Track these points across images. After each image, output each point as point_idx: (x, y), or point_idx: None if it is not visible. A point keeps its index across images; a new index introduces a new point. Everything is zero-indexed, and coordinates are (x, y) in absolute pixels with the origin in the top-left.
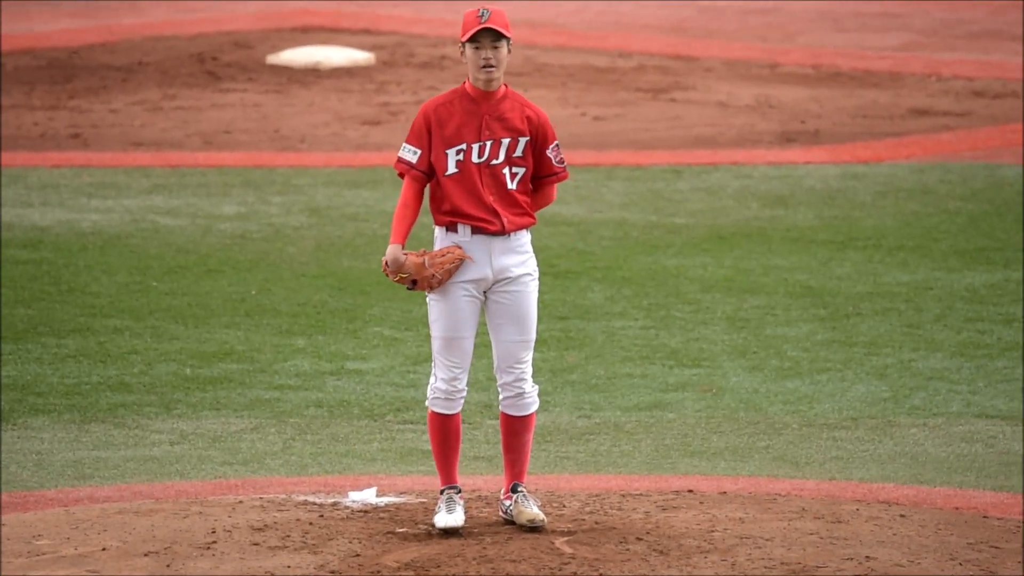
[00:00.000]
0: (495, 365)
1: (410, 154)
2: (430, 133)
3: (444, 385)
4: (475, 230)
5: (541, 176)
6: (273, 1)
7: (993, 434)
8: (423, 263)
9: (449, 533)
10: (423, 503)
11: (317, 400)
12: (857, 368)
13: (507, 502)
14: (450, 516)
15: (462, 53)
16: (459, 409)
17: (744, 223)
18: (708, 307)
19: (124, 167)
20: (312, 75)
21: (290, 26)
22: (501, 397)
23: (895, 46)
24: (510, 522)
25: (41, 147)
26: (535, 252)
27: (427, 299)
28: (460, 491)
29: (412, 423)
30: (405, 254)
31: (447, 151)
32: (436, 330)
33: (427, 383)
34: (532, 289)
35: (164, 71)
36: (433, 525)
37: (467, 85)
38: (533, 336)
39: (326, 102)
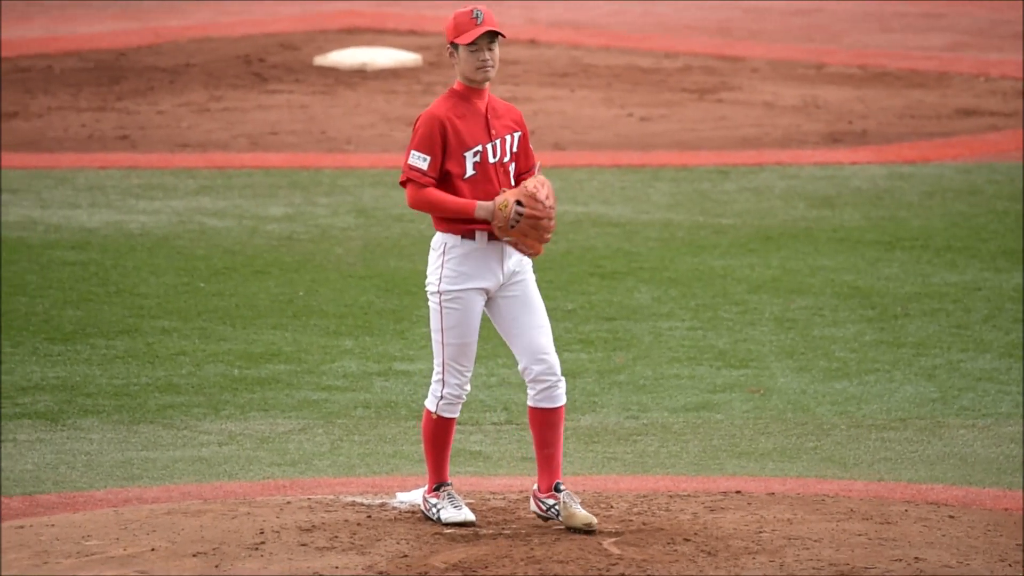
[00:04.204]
0: (522, 363)
1: (420, 161)
2: (444, 138)
3: (457, 391)
4: (492, 235)
5: (525, 170)
6: (318, 2)
7: None
8: (524, 191)
9: (466, 527)
10: (470, 504)
11: (364, 401)
12: (905, 369)
13: (550, 501)
14: (460, 512)
15: (451, 54)
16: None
17: (791, 223)
18: (755, 308)
19: (171, 168)
20: (358, 76)
21: (336, 27)
22: (534, 392)
23: (941, 46)
24: (545, 518)
25: (88, 149)
26: (581, 252)
27: (439, 306)
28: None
29: (459, 424)
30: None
31: (464, 154)
32: (451, 337)
33: (429, 387)
34: (533, 278)
35: (210, 73)
36: (440, 521)
37: (458, 87)
38: (548, 322)
39: (372, 103)
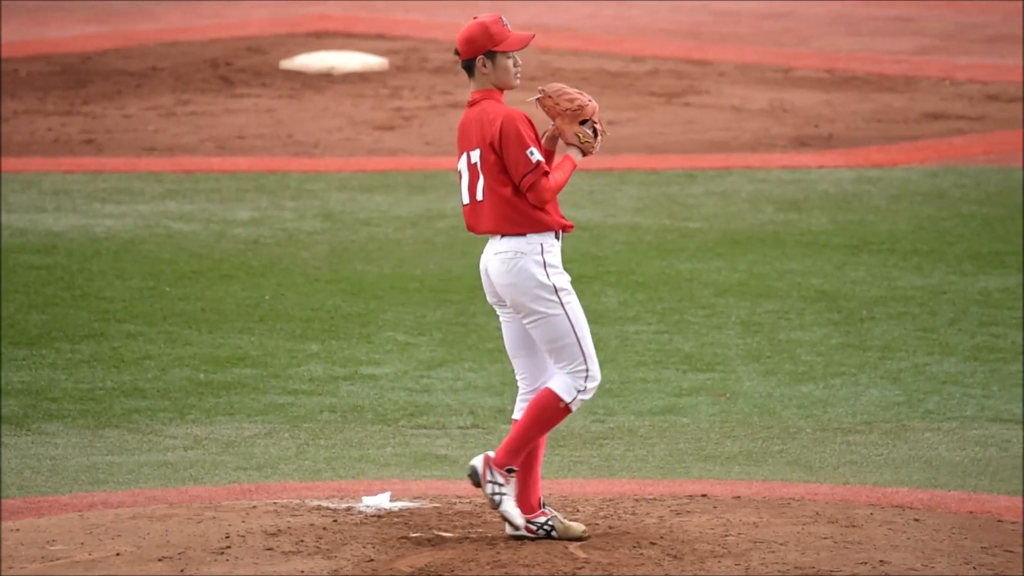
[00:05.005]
0: (543, 368)
1: (539, 155)
2: (535, 130)
3: (598, 380)
4: (558, 233)
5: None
6: (287, 3)
7: (1007, 438)
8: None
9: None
10: (436, 508)
11: (331, 405)
12: (871, 372)
13: (541, 519)
14: (518, 514)
15: (483, 64)
16: None
17: (758, 227)
18: (722, 311)
19: (138, 172)
20: (326, 80)
21: (304, 31)
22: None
23: (909, 50)
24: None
25: (55, 152)
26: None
27: (558, 303)
28: None
29: (426, 428)
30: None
31: (540, 143)
32: (582, 327)
33: (560, 379)
34: None
35: (178, 76)
36: (496, 504)
37: (496, 94)
38: None
39: (340, 107)
